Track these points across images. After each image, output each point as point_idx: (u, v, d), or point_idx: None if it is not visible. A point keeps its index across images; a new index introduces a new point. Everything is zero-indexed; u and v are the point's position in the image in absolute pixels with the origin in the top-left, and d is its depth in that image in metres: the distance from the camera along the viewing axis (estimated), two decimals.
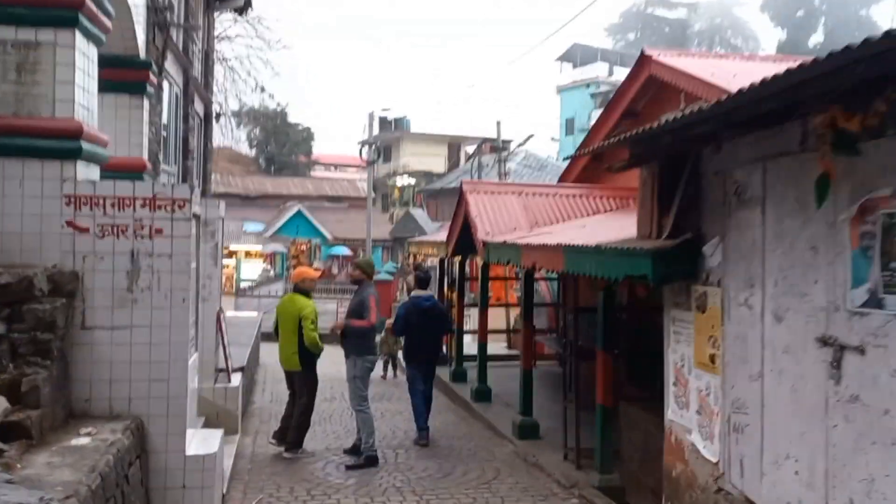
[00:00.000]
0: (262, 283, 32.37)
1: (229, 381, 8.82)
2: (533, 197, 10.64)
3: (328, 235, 42.62)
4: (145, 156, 8.16)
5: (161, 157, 9.69)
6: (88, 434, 4.92)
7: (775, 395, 4.40)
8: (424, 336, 9.64)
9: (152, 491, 5.50)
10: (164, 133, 9.91)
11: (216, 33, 17.70)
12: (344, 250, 41.77)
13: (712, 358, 5.14)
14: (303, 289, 8.73)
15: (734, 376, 4.87)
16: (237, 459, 8.09)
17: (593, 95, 48.77)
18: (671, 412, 5.79)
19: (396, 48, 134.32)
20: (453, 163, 51.33)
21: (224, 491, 6.87)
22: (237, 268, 33.86)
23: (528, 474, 8.02)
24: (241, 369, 9.81)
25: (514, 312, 16.31)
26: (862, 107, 3.60)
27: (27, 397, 4.63)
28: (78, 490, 3.89)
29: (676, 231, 5.35)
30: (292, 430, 8.62)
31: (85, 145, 5.59)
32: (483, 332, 11.90)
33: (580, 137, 31.12)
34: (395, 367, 14.45)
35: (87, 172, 5.75)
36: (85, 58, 5.79)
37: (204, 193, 13.72)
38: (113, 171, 6.80)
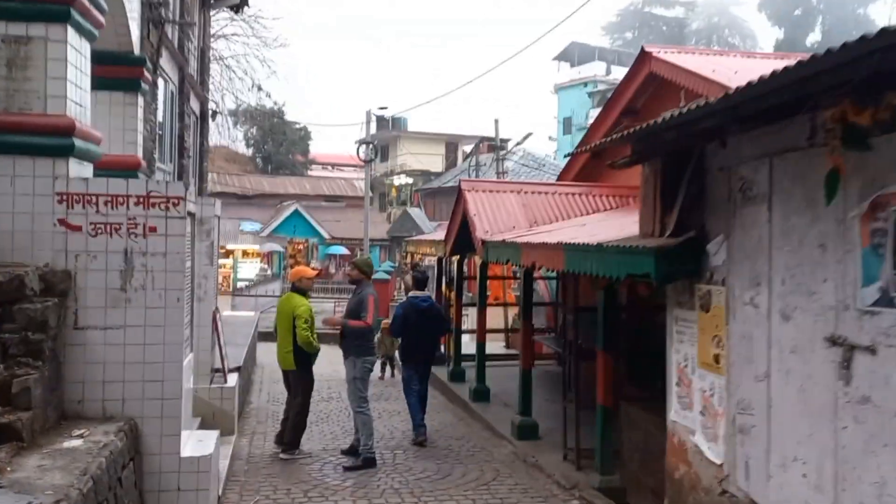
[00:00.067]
0: (260, 283, 32.24)
1: (225, 381, 8.72)
2: (532, 195, 10.55)
3: (325, 235, 42.51)
4: (140, 154, 8.06)
5: (156, 155, 9.60)
6: (81, 436, 4.82)
7: (782, 396, 4.31)
8: (422, 336, 9.66)
9: (146, 494, 5.40)
10: (159, 131, 9.81)
11: (213, 32, 17.62)
12: (341, 250, 41.67)
13: (717, 358, 5.05)
14: (300, 288, 8.70)
15: (739, 376, 4.78)
16: (233, 461, 8.00)
17: (591, 94, 48.71)
18: (674, 413, 5.70)
19: (396, 48, 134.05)
20: (451, 162, 51.32)
21: (220, 493, 6.77)
22: (234, 267, 33.75)
23: (527, 475, 7.93)
24: (238, 369, 9.71)
25: (513, 312, 16.24)
26: (873, 100, 3.51)
27: (18, 399, 4.52)
28: (68, 494, 3.79)
29: (680, 229, 5.26)
30: (289, 431, 8.54)
31: (77, 142, 5.49)
32: (481, 332, 11.82)
33: (578, 136, 31.06)
34: (392, 368, 14.35)
35: (79, 170, 5.65)
36: (77, 53, 5.68)
37: (200, 192, 13.63)
38: (107, 169, 6.71)
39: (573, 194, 10.65)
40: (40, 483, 3.90)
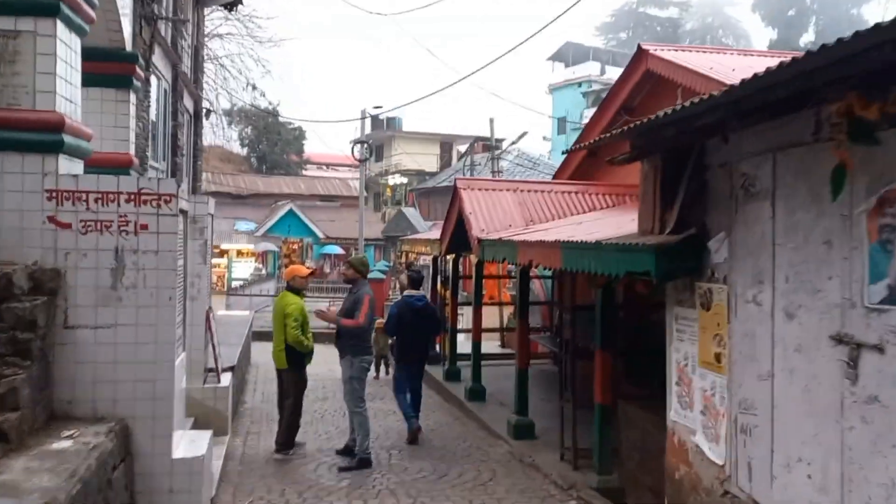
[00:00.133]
0: (254, 283, 32.11)
1: (219, 381, 8.62)
2: (528, 193, 10.47)
3: (320, 234, 42.39)
4: (132, 151, 7.95)
5: (149, 153, 9.49)
6: (70, 437, 4.73)
7: (786, 396, 4.23)
8: (417, 335, 9.71)
9: (137, 495, 5.31)
10: (152, 129, 9.71)
11: (208, 31, 17.50)
12: (336, 249, 41.56)
13: (718, 357, 4.97)
14: (294, 287, 8.63)
15: (741, 376, 4.70)
16: (227, 461, 7.90)
17: (585, 94, 48.66)
18: (674, 412, 5.62)
19: (396, 48, 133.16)
20: (445, 162, 51.23)
21: (213, 494, 6.68)
22: (228, 267, 33.57)
23: (524, 475, 7.85)
24: (232, 369, 9.62)
25: (508, 311, 16.18)
26: (881, 93, 3.43)
27: (6, 399, 4.42)
28: (56, 497, 3.70)
29: (680, 226, 5.17)
30: (282, 431, 8.45)
31: (67, 138, 5.40)
32: (477, 331, 11.75)
33: (573, 136, 30.99)
34: (387, 367, 14.27)
35: (69, 167, 5.56)
36: (67, 48, 5.59)
37: (195, 191, 13.52)
38: (98, 166, 6.61)
39: (569, 193, 10.58)
40: (27, 486, 3.81)
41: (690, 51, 10.55)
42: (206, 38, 16.54)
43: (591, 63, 53.11)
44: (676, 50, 10.19)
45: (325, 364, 11.91)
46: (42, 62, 5.27)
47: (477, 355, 11.48)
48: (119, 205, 5.35)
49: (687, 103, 4.21)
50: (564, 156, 12.86)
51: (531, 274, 10.56)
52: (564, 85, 52.62)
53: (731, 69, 8.29)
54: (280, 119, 48.55)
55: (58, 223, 5.27)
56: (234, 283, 32.00)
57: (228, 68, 20.90)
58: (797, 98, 3.87)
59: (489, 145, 31.14)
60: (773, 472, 4.33)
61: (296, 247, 40.06)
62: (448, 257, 13.57)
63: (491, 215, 9.95)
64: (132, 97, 8.01)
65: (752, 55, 11.77)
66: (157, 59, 9.80)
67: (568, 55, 54.18)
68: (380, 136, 51.28)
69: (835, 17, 57.82)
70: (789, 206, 4.23)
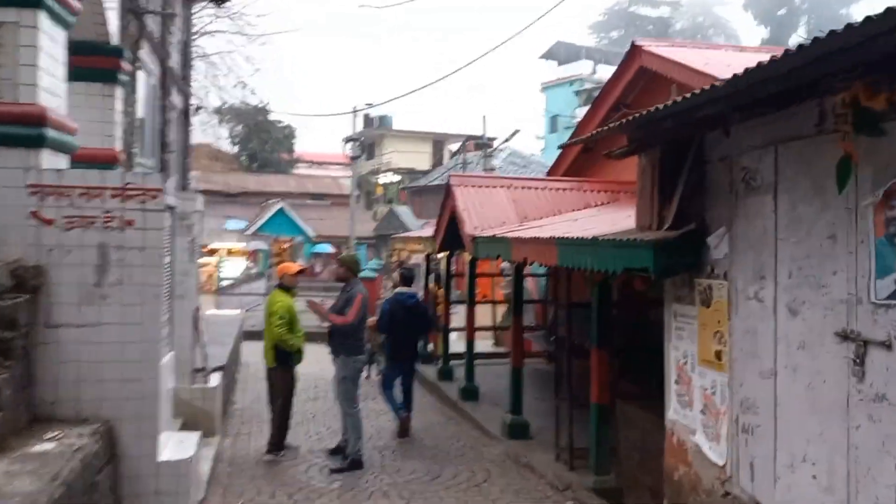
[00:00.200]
0: (244, 281, 31.88)
1: (207, 381, 8.48)
2: (522, 190, 10.35)
3: (311, 233, 42.16)
4: (119, 147, 7.80)
5: (137, 149, 9.33)
6: (53, 439, 4.59)
7: (790, 394, 4.13)
8: (408, 333, 9.68)
9: (123, 498, 5.18)
10: (139, 125, 9.54)
11: (198, 29, 17.31)
12: (327, 248, 41.33)
13: (718, 354, 4.87)
14: (284, 285, 8.50)
15: (743, 374, 4.60)
16: (216, 463, 7.76)
17: (577, 93, 48.59)
18: (672, 412, 5.52)
19: (396, 43, 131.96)
20: (437, 160, 51.08)
21: (202, 496, 6.55)
22: (219, 266, 33.33)
23: (519, 476, 7.74)
24: (221, 368, 9.47)
25: (501, 310, 16.07)
26: (889, 83, 3.33)
27: None
28: (37, 501, 3.57)
29: (679, 221, 5.07)
30: (273, 432, 8.31)
31: (51, 132, 5.26)
32: (471, 330, 11.65)
33: (565, 135, 30.89)
34: (378, 366, 14.12)
35: (53, 161, 5.42)
36: (51, 40, 5.45)
37: (184, 189, 13.34)
38: (84, 162, 6.47)
39: (564, 189, 10.47)
40: (8, 490, 3.67)
41: (685, 46, 10.47)
42: (196, 36, 16.36)
43: (583, 61, 53.06)
44: (670, 46, 10.10)
45: (318, 364, 11.76)
46: (25, 54, 5.14)
47: (470, 354, 11.38)
48: (104, 200, 5.22)
49: (688, 95, 4.11)
50: (558, 153, 12.73)
51: (524, 272, 10.46)
52: (557, 84, 52.57)
53: (727, 65, 8.18)
54: (270, 116, 48.28)
55: (41, 219, 5.14)
56: (224, 282, 31.76)
57: (218, 66, 20.72)
58: (801, 89, 3.78)
59: (481, 144, 31.00)
60: (777, 473, 4.23)
61: (286, 245, 39.80)
62: (441, 255, 13.45)
63: (485, 212, 9.83)
64: (119, 92, 7.86)
65: (746, 51, 11.71)
66: (145, 54, 9.63)
67: (560, 53, 54.14)
68: (371, 135, 51.06)
69: (825, 16, 57.94)
70: (792, 199, 4.13)
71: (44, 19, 5.28)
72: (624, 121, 5.20)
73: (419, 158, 50.48)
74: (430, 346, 14.30)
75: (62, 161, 5.67)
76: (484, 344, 14.87)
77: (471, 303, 11.88)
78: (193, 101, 15.13)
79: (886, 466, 3.44)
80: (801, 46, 3.11)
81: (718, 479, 4.85)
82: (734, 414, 4.69)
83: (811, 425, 3.95)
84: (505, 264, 13.98)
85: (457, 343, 13.61)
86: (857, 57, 3.20)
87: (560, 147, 12.29)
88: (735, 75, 3.61)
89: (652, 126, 5.08)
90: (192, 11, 15.24)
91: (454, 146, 46.66)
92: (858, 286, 3.62)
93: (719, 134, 4.76)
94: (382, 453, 8.60)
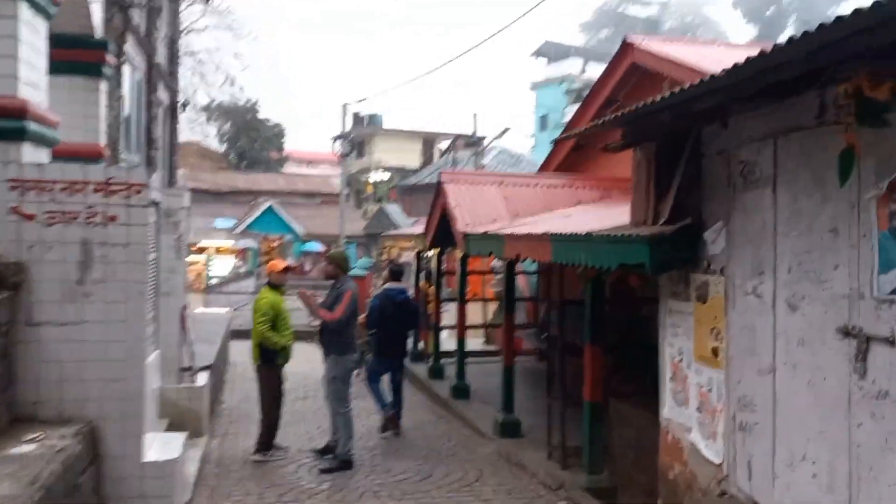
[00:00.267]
0: (233, 280, 31.68)
1: (194, 380, 8.35)
2: (514, 187, 10.24)
3: (300, 231, 41.96)
4: (102, 141, 7.65)
5: (123, 145, 9.18)
6: (34, 440, 4.46)
7: (789, 391, 4.05)
8: (398, 330, 9.62)
9: (107, 501, 5.04)
10: (125, 121, 9.39)
11: (186, 26, 17.13)
12: (317, 246, 41.13)
13: (715, 351, 4.79)
14: (272, 282, 8.37)
15: (740, 371, 4.52)
16: (203, 463, 7.63)
17: (567, 92, 48.56)
18: (668, 409, 5.44)
19: (396, 39, 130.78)
20: (427, 159, 50.96)
21: (188, 497, 6.43)
22: (208, 264, 33.11)
23: (511, 475, 7.65)
24: (209, 367, 9.34)
25: (492, 307, 15.98)
26: (892, 73, 3.24)
27: None
28: None
29: (674, 216, 4.99)
30: (261, 432, 8.19)
31: (31, 125, 5.13)
32: (462, 328, 11.54)
33: (555, 133, 30.80)
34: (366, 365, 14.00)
35: (34, 155, 5.29)
36: (32, 31, 5.31)
37: (171, 185, 13.18)
38: (67, 157, 6.33)
39: (556, 186, 10.37)
40: None
41: (677, 42, 10.38)
42: (184, 32, 16.18)
43: (572, 60, 53.08)
44: (663, 41, 10.01)
45: (307, 362, 11.64)
46: (3, 45, 5.01)
47: (461, 352, 11.28)
48: (86, 195, 5.09)
49: (686, 85, 4.01)
50: (550, 150, 12.64)
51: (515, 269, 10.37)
52: (546, 82, 52.58)
53: (719, 61, 8.10)
54: (259, 114, 48.01)
55: (21, 214, 5.00)
56: (213, 281, 31.55)
57: (207, 63, 20.55)
58: (802, 79, 3.68)
59: (471, 142, 30.90)
60: (776, 471, 4.15)
61: (275, 244, 39.59)
62: (431, 253, 13.34)
63: (476, 209, 9.72)
64: (103, 86, 7.71)
65: (738, 48, 11.65)
66: (130, 48, 9.48)
67: (550, 52, 54.17)
68: (361, 134, 50.88)
69: (814, 15, 58.22)
70: (792, 192, 4.05)
71: (24, 9, 5.15)
72: (619, 113, 5.11)
73: (409, 157, 50.38)
74: (421, 344, 14.17)
75: (43, 155, 5.54)
76: (475, 342, 14.79)
77: (462, 301, 11.77)
78: (180, 97, 14.96)
79: (889, 464, 3.36)
80: (805, 34, 3.02)
81: (715, 478, 4.76)
82: (731, 411, 4.61)
83: (811, 423, 3.87)
84: (496, 262, 13.90)
85: (448, 341, 13.50)
86: (861, 45, 3.11)
87: (554, 141, 12.20)
88: (736, 64, 3.52)
89: (648, 119, 4.99)
90: (180, 8, 15.08)
91: (444, 145, 46.53)
92: (861, 281, 3.54)
93: (717, 127, 4.68)
94: (373, 453, 8.49)
